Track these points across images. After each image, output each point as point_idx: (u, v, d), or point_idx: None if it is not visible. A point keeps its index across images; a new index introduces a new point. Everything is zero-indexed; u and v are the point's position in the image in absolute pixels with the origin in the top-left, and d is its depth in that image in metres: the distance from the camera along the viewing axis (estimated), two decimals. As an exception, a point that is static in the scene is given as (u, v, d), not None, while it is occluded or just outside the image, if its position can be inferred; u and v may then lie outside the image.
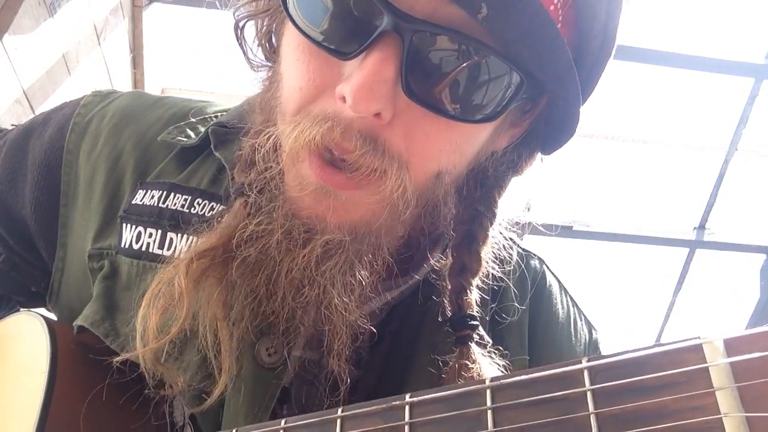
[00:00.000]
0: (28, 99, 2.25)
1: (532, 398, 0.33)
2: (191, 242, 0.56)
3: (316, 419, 0.40)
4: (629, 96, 4.17)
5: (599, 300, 4.93)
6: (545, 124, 0.58)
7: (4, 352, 0.56)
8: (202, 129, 0.62)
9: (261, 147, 0.54)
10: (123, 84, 3.18)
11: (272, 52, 0.58)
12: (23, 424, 0.51)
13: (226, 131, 0.61)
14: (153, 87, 3.51)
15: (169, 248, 0.57)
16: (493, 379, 0.36)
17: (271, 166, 0.53)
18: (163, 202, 0.59)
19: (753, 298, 4.32)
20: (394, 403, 0.38)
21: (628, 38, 3.49)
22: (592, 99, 0.57)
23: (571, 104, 0.53)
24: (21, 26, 2.13)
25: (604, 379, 0.31)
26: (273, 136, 0.53)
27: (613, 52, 0.55)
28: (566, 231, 3.97)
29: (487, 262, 0.62)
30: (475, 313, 0.60)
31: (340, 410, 0.40)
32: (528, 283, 0.70)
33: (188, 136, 0.61)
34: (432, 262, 0.63)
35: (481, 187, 0.60)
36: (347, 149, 0.48)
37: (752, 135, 3.93)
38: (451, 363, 0.58)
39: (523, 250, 0.73)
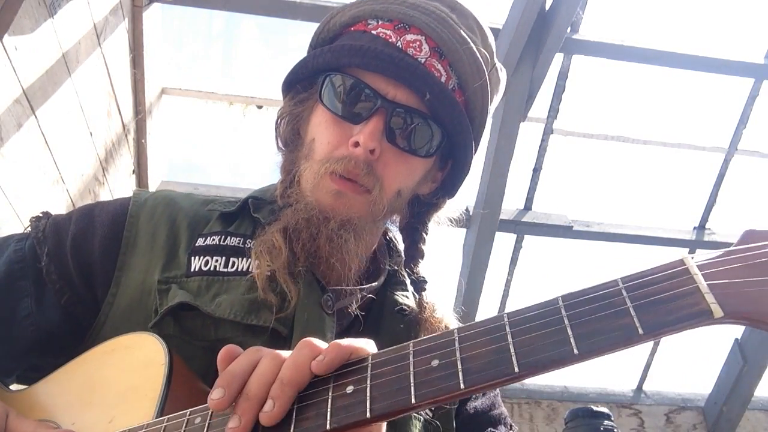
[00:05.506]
0: (28, 99, 2.25)
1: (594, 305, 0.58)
2: (253, 257, 0.90)
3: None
4: (629, 96, 4.18)
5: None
6: (449, 178, 1.02)
7: (129, 354, 0.80)
8: (234, 203, 1.00)
9: (289, 183, 0.96)
10: (123, 84, 3.17)
11: (295, 134, 0.99)
12: (148, 398, 0.73)
13: (258, 202, 1.00)
14: (153, 87, 3.50)
15: (232, 267, 0.90)
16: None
17: (295, 190, 0.94)
18: (223, 242, 0.93)
19: (753, 298, 4.32)
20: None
21: (628, 38, 3.50)
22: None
23: (469, 153, 0.97)
24: (21, 26, 2.13)
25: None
26: (297, 174, 0.95)
27: (484, 130, 1.01)
28: (566, 231, 3.97)
29: (426, 254, 1.05)
30: (423, 277, 1.04)
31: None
32: None
33: (226, 207, 0.99)
34: (387, 269, 1.01)
35: (416, 215, 1.02)
36: (357, 173, 0.88)
37: (752, 135, 3.94)
38: (414, 305, 0.97)
39: None
